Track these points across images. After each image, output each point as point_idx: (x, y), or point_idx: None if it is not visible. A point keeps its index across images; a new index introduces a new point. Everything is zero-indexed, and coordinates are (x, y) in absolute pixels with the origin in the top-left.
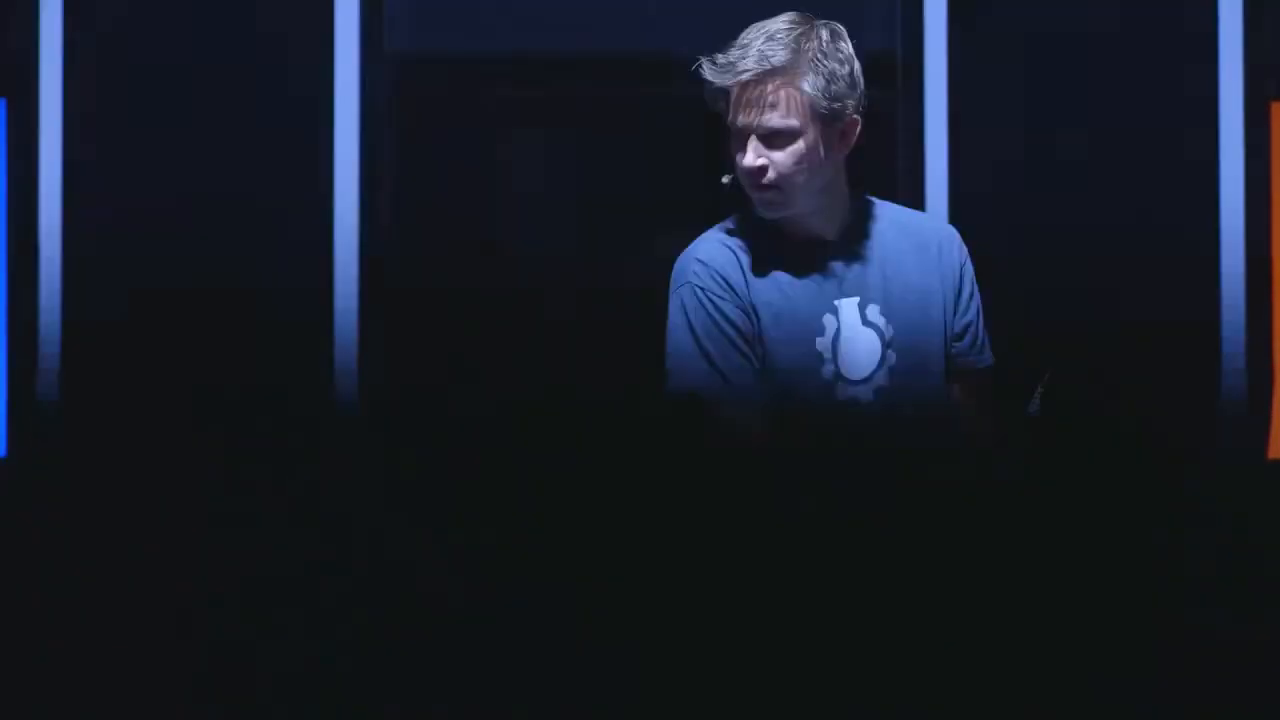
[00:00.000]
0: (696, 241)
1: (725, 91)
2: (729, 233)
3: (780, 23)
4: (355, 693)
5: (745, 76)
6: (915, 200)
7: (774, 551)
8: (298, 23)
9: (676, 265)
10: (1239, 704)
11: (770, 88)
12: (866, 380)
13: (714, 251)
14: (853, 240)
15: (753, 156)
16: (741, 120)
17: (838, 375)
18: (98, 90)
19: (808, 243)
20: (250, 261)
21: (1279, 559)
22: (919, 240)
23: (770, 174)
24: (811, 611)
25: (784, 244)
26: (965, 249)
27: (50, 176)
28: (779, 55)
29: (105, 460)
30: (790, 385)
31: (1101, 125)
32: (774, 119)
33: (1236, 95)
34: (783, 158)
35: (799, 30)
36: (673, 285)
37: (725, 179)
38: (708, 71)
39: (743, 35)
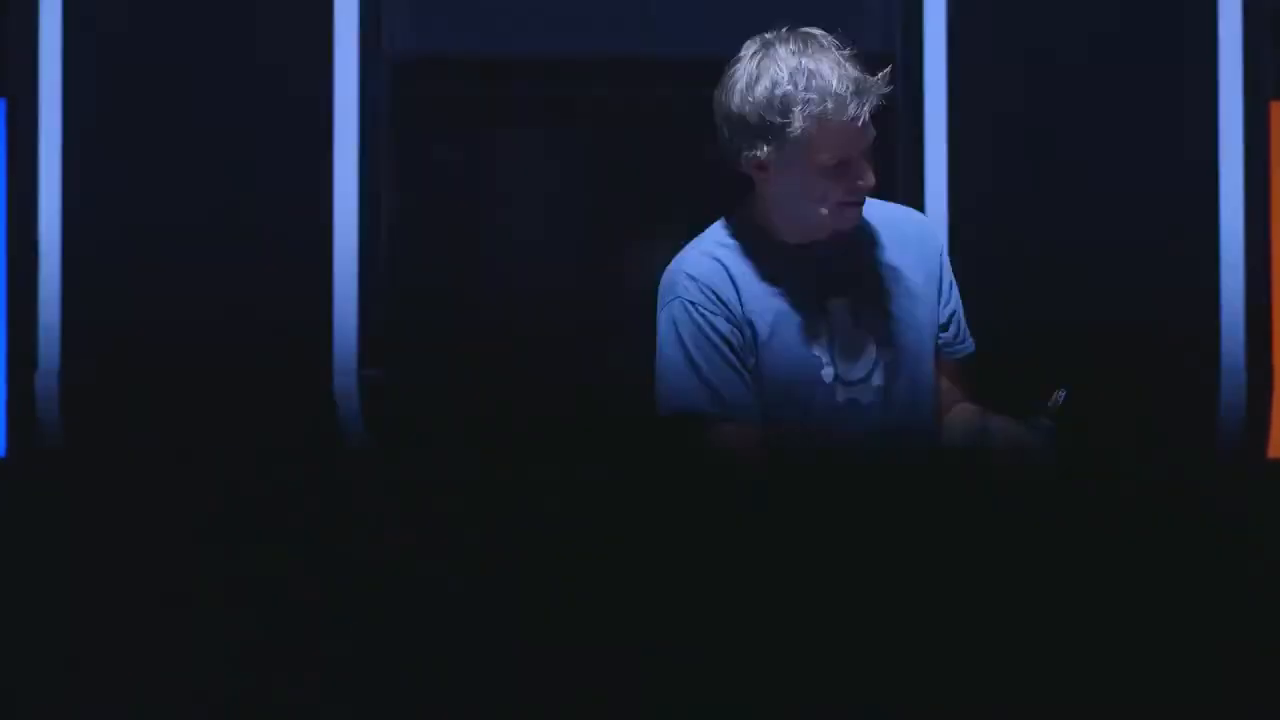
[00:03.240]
0: (682, 253)
1: (805, 133)
2: (716, 243)
3: (840, 55)
4: (355, 695)
5: (866, 115)
6: (914, 200)
7: (775, 561)
8: (298, 23)
9: (664, 279)
10: (1239, 704)
11: (863, 112)
12: (864, 380)
13: (702, 264)
14: (840, 239)
15: (870, 175)
16: (849, 151)
17: (836, 377)
18: (98, 91)
19: (797, 246)
20: (250, 261)
21: (1279, 559)
22: (899, 233)
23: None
24: (814, 617)
25: (773, 249)
26: (942, 237)
27: (50, 177)
28: (872, 84)
29: (105, 461)
30: (790, 391)
31: (1101, 125)
32: (869, 137)
33: (1236, 95)
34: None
35: (850, 54)
36: (660, 300)
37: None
38: (820, 126)
39: (812, 79)
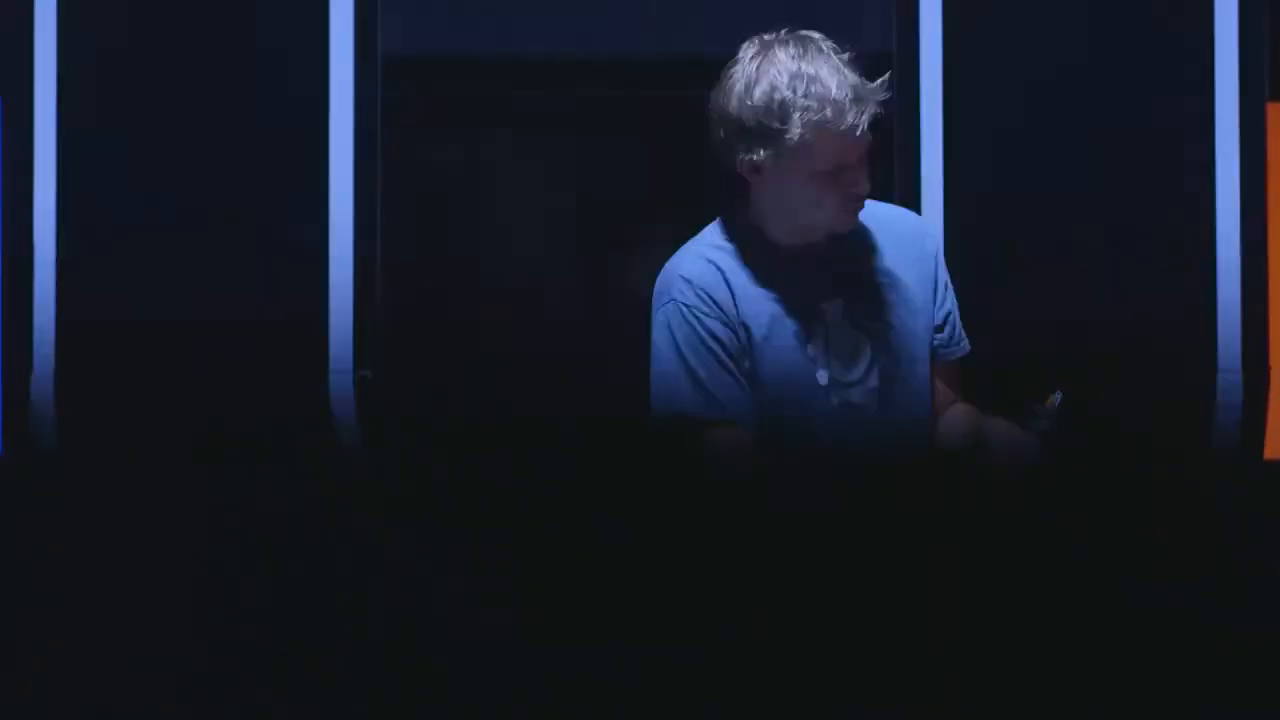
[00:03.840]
0: (677, 255)
1: (804, 140)
2: (710, 245)
3: (839, 60)
4: (355, 697)
5: (864, 123)
6: (910, 200)
7: (772, 564)
8: (293, 24)
9: (658, 282)
10: (1239, 704)
11: (863, 120)
12: (859, 382)
13: (696, 267)
14: (835, 241)
15: (866, 182)
16: (846, 157)
17: (831, 380)
18: (94, 91)
19: (792, 248)
20: (247, 263)
21: (1278, 559)
22: (894, 234)
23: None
24: (812, 620)
25: (768, 252)
26: (937, 238)
27: (46, 177)
28: (871, 90)
29: (102, 461)
30: (784, 394)
31: (1099, 126)
32: (866, 143)
33: (1233, 96)
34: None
35: (849, 59)
36: (655, 303)
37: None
38: (818, 133)
39: (811, 84)
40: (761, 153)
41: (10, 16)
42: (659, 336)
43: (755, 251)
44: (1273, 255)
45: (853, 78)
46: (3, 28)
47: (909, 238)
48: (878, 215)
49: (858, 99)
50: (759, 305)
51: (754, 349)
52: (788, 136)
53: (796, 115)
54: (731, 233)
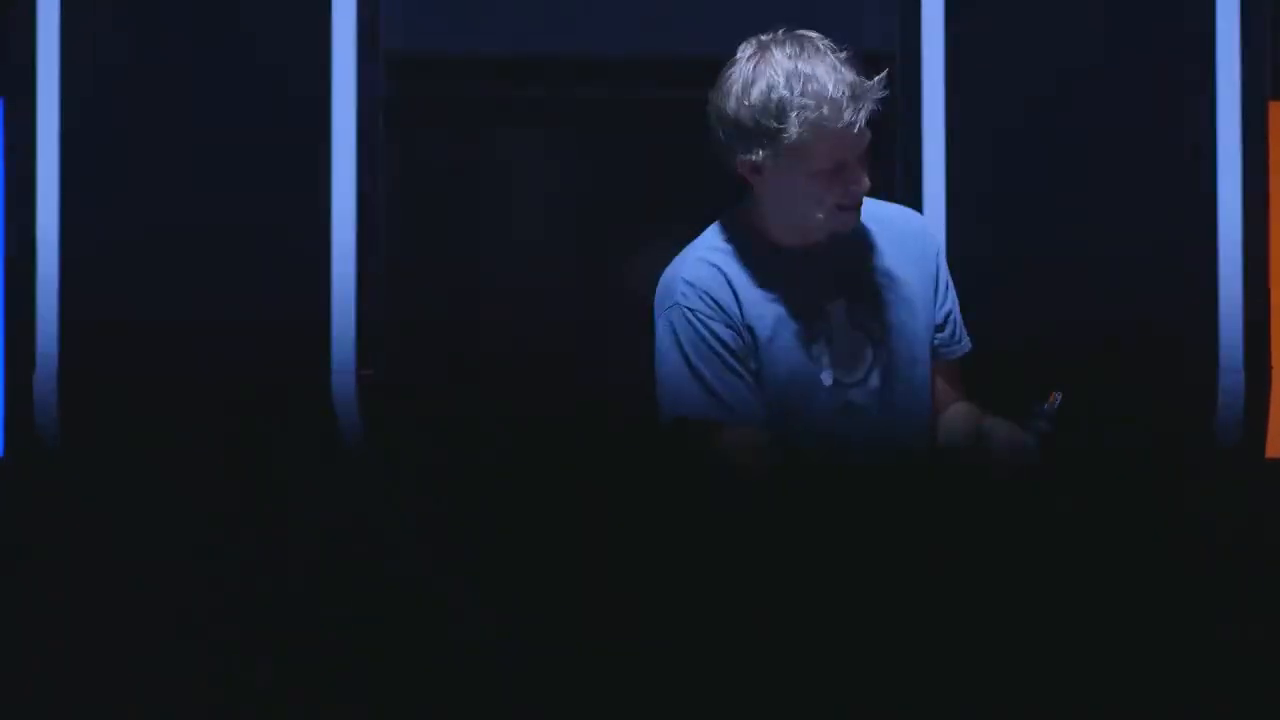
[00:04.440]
0: (678, 259)
1: (801, 138)
2: (712, 248)
3: (836, 59)
4: (356, 697)
5: (862, 120)
6: (911, 200)
7: (780, 563)
8: (296, 22)
9: (660, 286)
10: (1239, 704)
11: (860, 117)
12: (861, 382)
13: (699, 270)
14: (836, 241)
15: (866, 180)
16: (845, 155)
17: (835, 381)
18: (95, 90)
19: (794, 248)
20: (249, 261)
21: (1278, 559)
22: (895, 233)
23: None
24: (819, 620)
25: (769, 252)
26: (938, 236)
27: (48, 176)
28: (868, 88)
29: (103, 462)
30: (789, 394)
31: (1099, 124)
32: (865, 141)
33: (1234, 94)
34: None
35: (846, 57)
36: (658, 307)
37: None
38: (817, 132)
39: (808, 83)
40: (760, 153)
41: (13, 15)
42: (663, 341)
43: (757, 253)
44: (1274, 255)
45: (850, 75)
46: (6, 26)
47: (910, 236)
48: (878, 214)
49: (855, 96)
50: (763, 307)
51: (759, 350)
52: (786, 135)
53: (794, 114)
54: (732, 234)
